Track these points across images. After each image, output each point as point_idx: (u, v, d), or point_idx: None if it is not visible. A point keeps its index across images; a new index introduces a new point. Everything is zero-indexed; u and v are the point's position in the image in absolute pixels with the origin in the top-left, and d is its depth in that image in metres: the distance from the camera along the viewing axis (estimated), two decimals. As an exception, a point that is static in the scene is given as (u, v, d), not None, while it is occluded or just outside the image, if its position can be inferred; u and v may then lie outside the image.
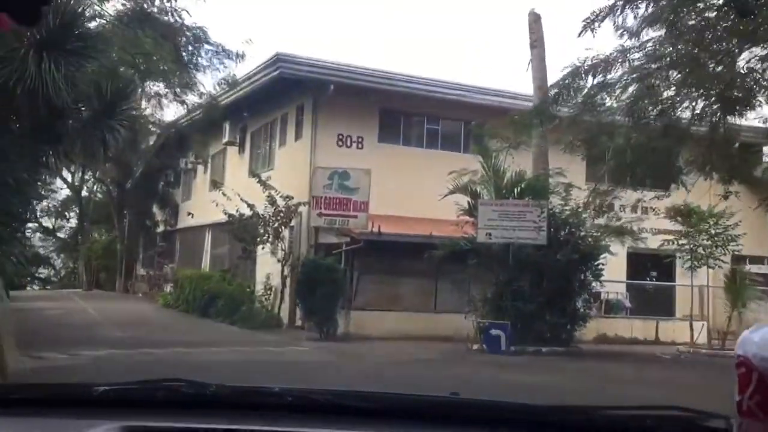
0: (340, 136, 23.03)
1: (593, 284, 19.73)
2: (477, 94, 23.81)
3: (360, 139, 23.16)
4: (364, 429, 1.64)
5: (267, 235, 23.03)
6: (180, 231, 39.73)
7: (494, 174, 19.60)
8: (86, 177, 52.04)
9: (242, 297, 25.05)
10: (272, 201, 22.77)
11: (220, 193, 24.12)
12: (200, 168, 36.94)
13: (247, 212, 23.10)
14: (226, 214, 23.53)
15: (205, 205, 31.93)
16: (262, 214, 22.91)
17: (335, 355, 16.67)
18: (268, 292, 24.81)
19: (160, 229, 43.06)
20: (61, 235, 59.83)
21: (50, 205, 60.12)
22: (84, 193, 55.14)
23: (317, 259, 19.60)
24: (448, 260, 18.96)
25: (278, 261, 23.19)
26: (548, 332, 17.95)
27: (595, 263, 19.01)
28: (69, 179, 54.54)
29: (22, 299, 32.43)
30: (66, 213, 58.27)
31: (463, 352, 17.52)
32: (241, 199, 23.27)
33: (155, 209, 43.25)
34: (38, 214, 60.29)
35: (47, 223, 60.80)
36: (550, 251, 17.97)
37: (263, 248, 23.32)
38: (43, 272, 63.16)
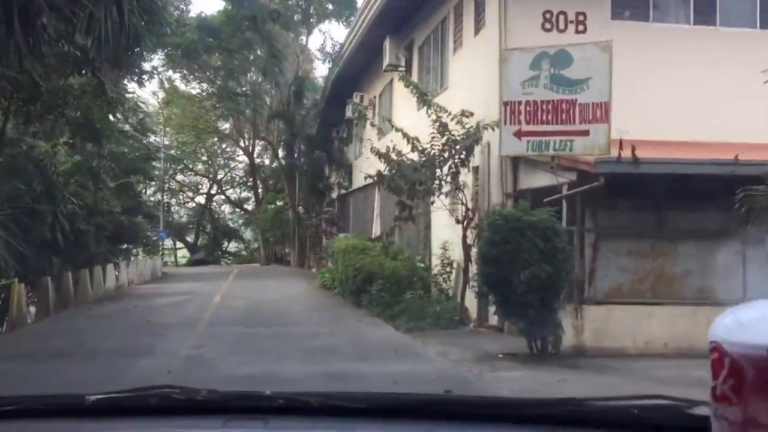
0: (547, 15, 13.49)
1: None
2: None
3: (581, 17, 13.51)
4: (355, 429, 1.58)
5: (437, 181, 14.18)
6: (352, 193, 31.96)
7: None
8: (257, 142, 46.10)
9: (409, 277, 16.44)
10: (442, 128, 13.86)
11: (387, 139, 15.72)
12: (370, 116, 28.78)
13: (410, 154, 14.38)
14: (378, 154, 14.90)
15: (374, 158, 23.99)
16: (429, 150, 14.06)
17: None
18: (447, 270, 15.99)
19: (335, 193, 35.80)
20: (248, 207, 54.78)
21: (234, 176, 55.43)
22: (257, 160, 49.54)
23: (516, 213, 10.25)
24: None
25: (457, 221, 14.30)
26: None
27: None
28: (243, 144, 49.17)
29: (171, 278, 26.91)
30: (248, 183, 53.05)
31: None
32: (396, 130, 14.59)
33: (327, 171, 36.05)
34: (223, 186, 56.11)
35: (233, 194, 56.21)
36: None
37: (434, 201, 14.47)
38: (233, 245, 59.14)
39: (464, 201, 14.20)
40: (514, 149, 11.53)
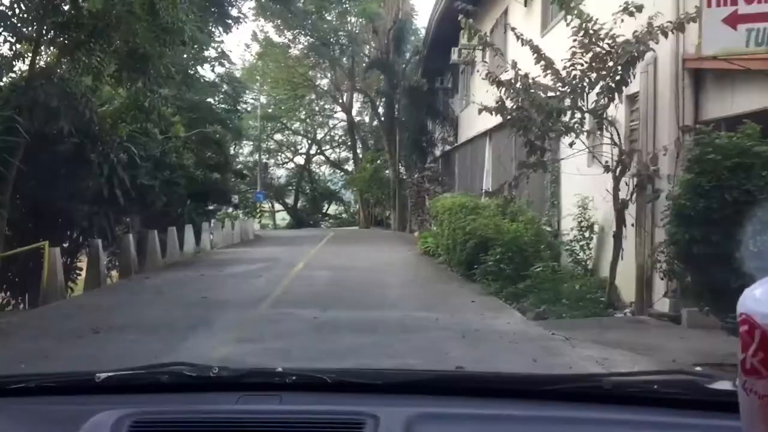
0: None
1: None
2: None
3: None
4: (369, 405, 1.49)
5: (578, 113, 10.19)
6: (459, 148, 28.15)
7: None
8: (355, 96, 42.69)
9: (535, 245, 12.61)
10: (589, 38, 9.80)
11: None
12: (478, 60, 24.71)
13: (540, 78, 10.42)
14: (497, 82, 10.99)
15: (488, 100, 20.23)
16: (570, 71, 10.04)
17: None
18: (585, 235, 12.04)
19: (439, 150, 32.04)
20: (348, 167, 51.73)
21: (332, 135, 52.45)
22: (356, 117, 46.17)
23: (738, 142, 6.14)
24: None
25: (606, 169, 10.29)
26: None
27: None
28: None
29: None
30: (347, 143, 49.92)
31: None
32: (524, 43, 10.64)
33: (430, 125, 32.32)
34: (322, 146, 53.27)
35: (332, 155, 53.34)
36: None
37: (573, 142, 10.47)
38: (333, 208, 56.48)
39: (617, 139, 10.18)
40: (724, 44, 7.33)
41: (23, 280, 14.50)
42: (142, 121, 14.66)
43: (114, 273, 17.26)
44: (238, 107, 27.40)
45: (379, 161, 37.41)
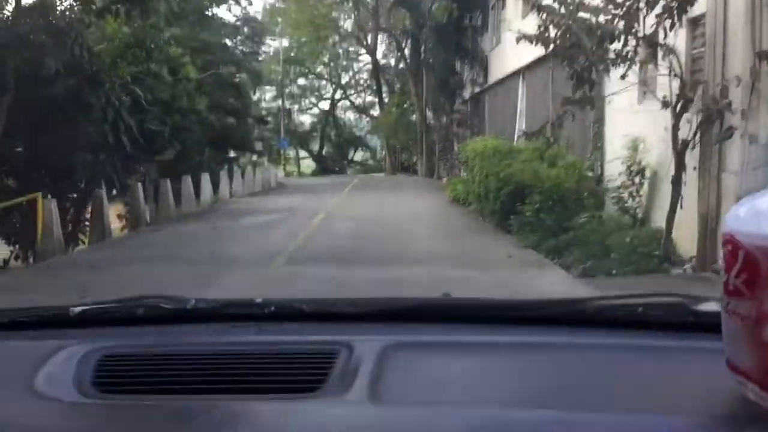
0: None
1: None
2: None
3: None
4: (346, 334, 1.42)
5: (632, 39, 8.74)
6: (489, 90, 26.58)
7: None
8: (380, 37, 40.86)
9: (577, 192, 11.31)
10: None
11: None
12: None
13: None
14: (537, 6, 9.52)
15: (516, 44, 18.79)
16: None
17: None
18: (635, 181, 10.70)
19: (468, 92, 30.43)
20: (373, 113, 50.15)
21: (356, 79, 50.79)
22: (381, 60, 44.40)
23: None
24: None
25: (664, 104, 8.86)
26: None
27: None
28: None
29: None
30: (373, 87, 48.25)
31: None
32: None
33: (459, 66, 30.62)
34: (347, 91, 51.66)
35: (357, 100, 51.76)
36: None
37: (626, 75, 9.01)
38: (359, 155, 55.17)
39: (677, 70, 8.74)
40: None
41: (31, 233, 13.60)
42: (143, 60, 13.43)
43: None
44: (257, 49, 25.93)
45: (405, 105, 35.85)
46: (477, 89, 28.50)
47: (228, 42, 24.50)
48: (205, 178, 19.80)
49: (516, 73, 20.91)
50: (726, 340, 1.03)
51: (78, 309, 1.61)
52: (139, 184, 14.51)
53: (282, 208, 16.93)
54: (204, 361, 1.33)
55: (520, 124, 20.42)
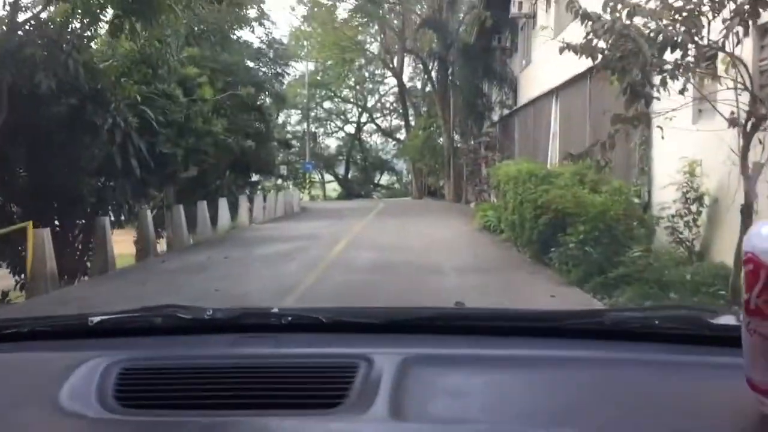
0: None
1: None
2: None
3: None
4: (364, 346, 1.42)
5: (692, 49, 7.55)
6: (518, 112, 25.50)
7: None
8: (406, 59, 39.99)
9: (626, 222, 10.05)
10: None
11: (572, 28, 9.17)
12: (541, 10, 21.95)
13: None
14: (582, 14, 8.36)
15: (548, 63, 17.87)
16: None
17: None
18: (693, 210, 9.44)
19: (496, 114, 29.33)
20: (399, 136, 49.20)
21: (383, 103, 49.95)
22: (408, 83, 43.46)
23: None
24: None
25: (731, 123, 7.63)
26: None
27: None
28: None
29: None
30: (399, 110, 47.34)
31: None
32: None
33: (486, 88, 29.56)
34: (373, 115, 50.79)
35: (383, 123, 50.89)
36: None
37: (685, 89, 7.81)
38: (385, 178, 54.18)
39: (748, 85, 7.52)
40: None
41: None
42: (150, 78, 12.52)
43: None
44: (281, 71, 25.09)
45: (432, 128, 34.80)
46: (506, 111, 27.40)
47: (251, 64, 23.68)
48: (223, 204, 18.84)
49: (549, 94, 19.81)
50: (746, 357, 1.02)
51: (97, 318, 1.61)
52: (148, 212, 13.53)
53: (302, 235, 15.86)
54: (223, 375, 1.31)
55: (554, 147, 19.25)
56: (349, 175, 50.70)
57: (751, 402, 1.03)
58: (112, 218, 13.57)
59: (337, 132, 51.27)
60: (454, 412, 1.17)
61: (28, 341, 1.60)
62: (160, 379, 1.30)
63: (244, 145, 19.10)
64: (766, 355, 0.97)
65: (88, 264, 13.56)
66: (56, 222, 12.63)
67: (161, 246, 16.29)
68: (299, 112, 45.90)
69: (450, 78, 32.01)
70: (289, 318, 1.60)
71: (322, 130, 49.56)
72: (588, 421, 1.13)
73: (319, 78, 45.34)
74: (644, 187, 11.81)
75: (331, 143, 51.69)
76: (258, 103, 24.12)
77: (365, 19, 37.63)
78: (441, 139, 33.48)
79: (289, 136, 44.16)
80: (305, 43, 42.90)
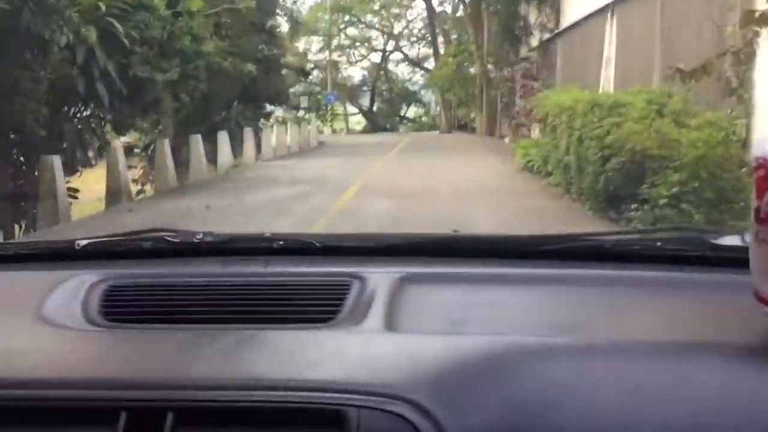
0: None
1: None
2: None
3: None
4: (357, 267, 1.37)
5: None
6: (562, 35, 22.37)
7: None
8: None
9: (728, 168, 7.32)
10: None
11: None
12: None
13: None
14: None
15: None
16: None
17: None
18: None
19: (535, 39, 26.14)
20: (428, 66, 45.93)
21: (410, 29, 46.48)
22: (438, 8, 39.98)
23: None
24: None
25: None
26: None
27: None
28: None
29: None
30: (427, 38, 43.93)
31: None
32: None
33: (524, 9, 26.27)
34: (399, 42, 47.40)
35: (411, 51, 47.54)
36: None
37: None
38: (412, 111, 51.14)
39: None
40: None
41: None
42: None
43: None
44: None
45: (463, 54, 31.62)
46: (546, 36, 24.23)
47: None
48: (223, 138, 16.32)
49: (601, 11, 16.74)
50: (754, 269, 0.99)
51: (84, 242, 1.56)
52: (119, 147, 11.09)
53: (310, 177, 13.34)
54: (213, 292, 1.30)
55: (608, 74, 16.32)
56: (374, 107, 47.81)
57: (760, 317, 0.98)
58: (80, 155, 11.15)
59: (361, 61, 48.04)
60: (448, 325, 1.15)
61: (14, 263, 1.56)
62: (147, 296, 1.28)
63: (245, 70, 16.38)
64: None
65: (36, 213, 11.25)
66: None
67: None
68: (320, 39, 42.75)
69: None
70: (281, 242, 1.56)
71: (345, 58, 46.39)
72: (590, 331, 1.09)
73: (342, 2, 41.96)
74: (741, 121, 9.02)
75: (355, 73, 48.59)
76: (268, 24, 21.32)
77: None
78: (473, 68, 30.39)
79: (310, 65, 41.23)
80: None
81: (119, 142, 11.81)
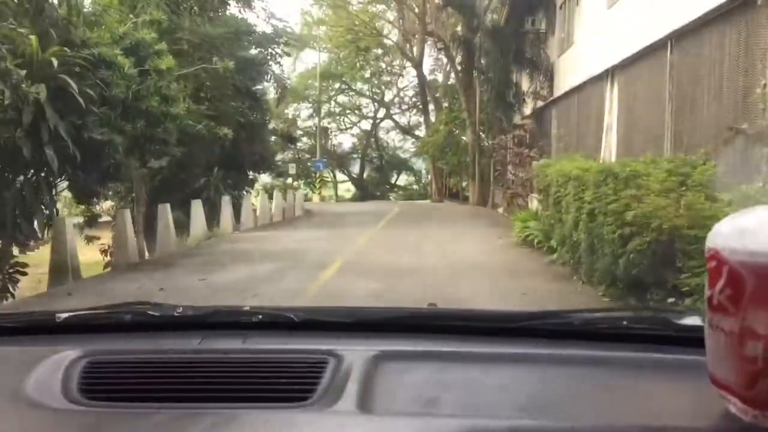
0: None
1: None
2: None
3: None
4: (334, 344, 1.41)
5: None
6: (557, 102, 21.56)
7: None
8: (427, 45, 36.00)
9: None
10: None
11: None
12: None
13: None
14: None
15: (599, 40, 14.93)
16: None
17: None
18: None
19: (528, 107, 25.33)
20: (419, 133, 45.24)
21: (401, 97, 45.99)
22: (429, 77, 39.46)
23: None
24: None
25: None
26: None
27: None
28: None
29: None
30: (418, 105, 43.37)
31: None
32: None
33: (516, 77, 25.54)
34: (390, 110, 46.83)
35: (402, 119, 46.93)
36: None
37: None
38: (403, 179, 50.22)
39: None
40: None
41: None
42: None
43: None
44: (280, 50, 21.19)
45: (454, 121, 30.79)
46: (540, 103, 23.43)
47: (248, 42, 19.86)
48: (197, 207, 15.05)
49: (600, 77, 15.86)
50: (709, 354, 1.04)
51: (64, 315, 1.57)
52: (66, 220, 9.77)
53: (288, 250, 12.02)
54: (191, 370, 1.30)
55: (608, 141, 15.30)
56: (364, 175, 46.88)
57: (715, 399, 1.02)
58: (24, 226, 9.82)
59: (351, 128, 47.38)
60: (421, 406, 1.16)
61: None
62: (126, 373, 1.29)
63: (222, 134, 15.22)
64: (728, 351, 0.96)
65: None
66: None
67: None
68: (310, 106, 42.09)
69: (477, 65, 28.02)
70: (260, 316, 1.57)
71: (335, 125, 45.69)
72: (556, 414, 1.13)
73: (332, 69, 41.49)
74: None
75: (345, 140, 47.85)
76: (254, 88, 20.34)
77: (382, 2, 33.64)
78: (464, 136, 29.51)
79: (299, 132, 40.44)
80: (314, 23, 38.96)
81: (67, 214, 10.47)
